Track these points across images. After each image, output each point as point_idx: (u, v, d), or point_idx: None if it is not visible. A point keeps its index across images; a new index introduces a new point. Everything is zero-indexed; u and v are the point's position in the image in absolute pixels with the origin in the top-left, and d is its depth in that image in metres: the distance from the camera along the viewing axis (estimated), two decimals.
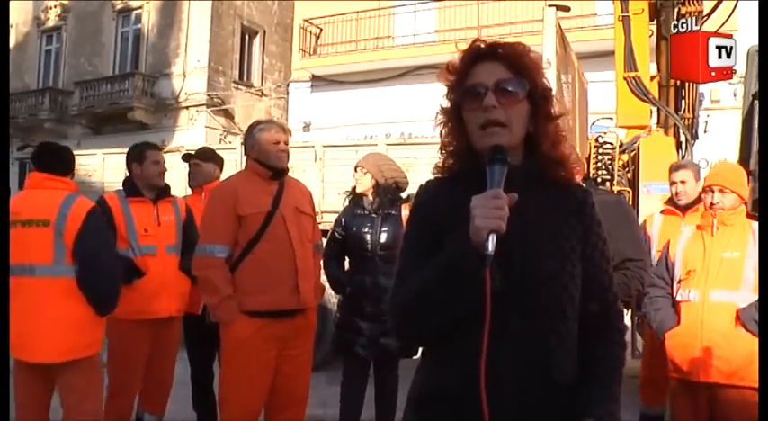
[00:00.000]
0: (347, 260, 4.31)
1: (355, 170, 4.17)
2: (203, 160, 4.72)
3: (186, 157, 4.87)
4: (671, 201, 4.58)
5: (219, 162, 4.84)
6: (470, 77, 1.52)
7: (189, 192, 4.89)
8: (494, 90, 1.48)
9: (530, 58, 1.53)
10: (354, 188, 4.19)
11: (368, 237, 4.04)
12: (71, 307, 3.17)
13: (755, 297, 3.09)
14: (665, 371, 4.26)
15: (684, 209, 4.43)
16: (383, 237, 4.00)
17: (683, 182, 4.45)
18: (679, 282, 3.34)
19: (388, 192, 4.08)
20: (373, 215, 4.09)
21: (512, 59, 1.51)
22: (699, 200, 4.36)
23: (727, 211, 3.28)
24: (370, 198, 4.12)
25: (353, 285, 4.04)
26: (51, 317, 3.14)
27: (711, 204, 3.33)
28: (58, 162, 3.40)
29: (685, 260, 3.35)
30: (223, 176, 3.74)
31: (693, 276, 3.27)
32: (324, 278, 4.17)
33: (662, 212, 4.58)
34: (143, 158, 4.04)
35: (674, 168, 4.60)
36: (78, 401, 3.23)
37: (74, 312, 3.18)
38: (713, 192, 3.33)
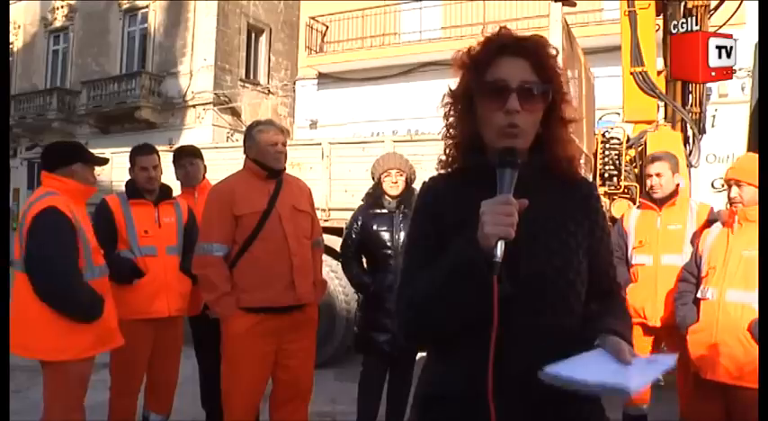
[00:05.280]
0: (364, 258, 4.32)
1: (387, 172, 4.12)
2: (200, 158, 4.76)
3: (182, 155, 4.79)
4: (647, 194, 4.43)
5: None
6: (492, 70, 1.46)
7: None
8: (518, 92, 1.43)
9: (553, 59, 1.50)
10: (380, 188, 4.16)
11: (388, 235, 4.08)
12: (32, 303, 3.14)
13: None
14: None
15: (661, 203, 4.28)
16: (403, 235, 4.01)
17: (658, 175, 4.25)
18: (702, 278, 3.33)
19: (414, 193, 4.11)
20: (393, 214, 4.11)
21: (537, 58, 1.47)
22: (676, 192, 4.31)
23: (748, 206, 3.19)
24: (392, 198, 4.13)
25: (376, 283, 4.06)
26: (21, 310, 3.18)
27: (731, 199, 3.26)
28: (46, 158, 3.39)
29: (709, 257, 3.31)
30: (227, 175, 3.77)
31: (713, 274, 3.23)
32: (328, 274, 4.17)
33: (638, 207, 4.46)
34: (132, 164, 4.10)
35: (650, 160, 4.44)
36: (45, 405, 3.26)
37: (33, 308, 3.14)
38: (730, 187, 3.27)
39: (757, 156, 3.27)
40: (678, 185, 4.31)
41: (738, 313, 3.10)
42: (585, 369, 1.29)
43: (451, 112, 1.57)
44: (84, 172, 3.36)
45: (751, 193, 3.19)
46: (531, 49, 1.47)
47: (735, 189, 3.24)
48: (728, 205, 3.35)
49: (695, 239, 3.66)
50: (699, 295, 3.32)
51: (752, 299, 3.06)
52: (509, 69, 1.45)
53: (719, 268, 3.21)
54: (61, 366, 3.19)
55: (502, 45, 1.48)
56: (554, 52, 1.51)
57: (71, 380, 3.23)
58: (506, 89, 1.43)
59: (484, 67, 1.48)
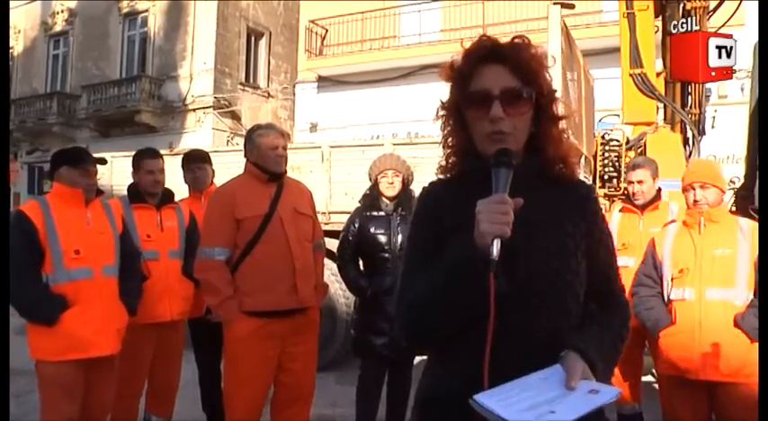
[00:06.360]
0: (361, 261, 4.30)
1: (383, 173, 4.12)
2: (209, 163, 4.76)
3: (191, 160, 4.81)
4: (628, 198, 4.49)
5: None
6: (475, 80, 1.49)
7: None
8: (500, 98, 1.44)
9: (535, 60, 1.50)
10: (377, 189, 4.15)
11: (385, 238, 4.06)
12: None
13: (749, 293, 3.13)
14: (637, 370, 4.28)
15: (643, 207, 4.34)
16: (401, 238, 4.00)
17: (639, 182, 4.32)
18: (671, 280, 3.34)
19: (411, 195, 4.11)
20: (390, 216, 4.10)
21: (517, 62, 1.48)
22: (657, 197, 4.35)
23: (713, 208, 3.30)
24: (388, 200, 4.13)
25: (373, 286, 4.04)
26: None
27: (695, 201, 3.34)
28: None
29: (675, 259, 3.35)
30: (228, 178, 3.77)
31: (687, 274, 3.27)
32: (329, 277, 4.14)
33: (620, 210, 4.50)
34: (139, 167, 4.11)
35: (631, 167, 4.50)
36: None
37: None
38: (694, 189, 3.34)
39: (711, 160, 3.34)
40: (659, 190, 4.37)
41: (721, 311, 3.15)
42: (519, 396, 1.28)
43: (445, 125, 1.59)
44: (69, 174, 3.39)
45: (714, 194, 3.32)
46: (511, 54, 1.48)
47: (699, 191, 3.33)
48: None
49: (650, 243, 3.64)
50: (672, 297, 3.33)
51: (732, 295, 3.15)
52: (490, 77, 1.47)
53: (693, 269, 3.26)
54: (39, 365, 3.28)
55: (481, 54, 1.50)
56: (536, 52, 1.50)
57: (45, 380, 3.28)
58: (489, 97, 1.45)
59: (467, 79, 1.50)
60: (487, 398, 1.26)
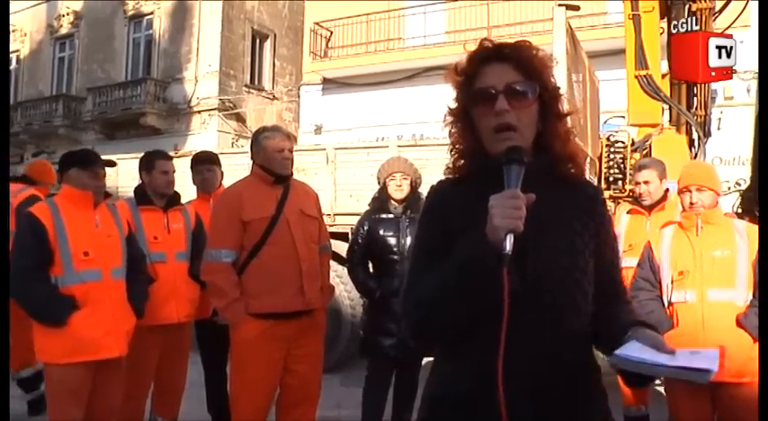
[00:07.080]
0: (370, 263, 4.32)
1: (391, 176, 4.14)
2: (218, 165, 4.77)
3: (200, 161, 4.83)
4: (636, 200, 4.52)
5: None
6: (479, 79, 1.52)
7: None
8: (504, 93, 1.47)
9: (537, 58, 1.52)
10: (385, 191, 4.17)
11: (394, 240, 4.08)
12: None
13: (749, 294, 3.15)
14: None
15: (650, 207, 4.37)
16: (409, 240, 4.00)
17: (646, 182, 4.36)
18: (671, 282, 3.34)
19: (420, 197, 4.11)
20: (398, 219, 4.12)
21: (520, 60, 1.50)
22: (664, 198, 4.35)
23: (709, 210, 3.33)
24: (397, 203, 4.14)
25: (382, 288, 4.06)
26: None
27: (691, 204, 3.36)
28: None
29: (674, 261, 3.35)
30: (233, 180, 3.78)
31: (687, 276, 3.27)
32: (334, 279, 4.14)
33: (628, 212, 4.54)
34: (152, 167, 4.09)
35: (637, 168, 4.53)
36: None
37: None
38: (691, 191, 3.36)
39: (706, 163, 3.33)
40: (667, 190, 4.37)
41: (723, 311, 3.17)
42: (650, 354, 1.30)
43: (453, 130, 1.61)
44: (79, 176, 3.40)
45: (710, 197, 3.35)
46: (513, 52, 1.51)
47: (696, 194, 3.35)
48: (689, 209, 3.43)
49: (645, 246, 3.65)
50: (673, 299, 3.33)
51: (734, 296, 3.18)
52: (494, 74, 1.50)
53: (693, 271, 3.27)
54: (46, 367, 3.30)
55: (485, 55, 1.53)
56: (538, 52, 1.53)
57: (53, 383, 3.29)
58: (493, 93, 1.48)
59: (472, 78, 1.53)
60: (630, 352, 1.30)
